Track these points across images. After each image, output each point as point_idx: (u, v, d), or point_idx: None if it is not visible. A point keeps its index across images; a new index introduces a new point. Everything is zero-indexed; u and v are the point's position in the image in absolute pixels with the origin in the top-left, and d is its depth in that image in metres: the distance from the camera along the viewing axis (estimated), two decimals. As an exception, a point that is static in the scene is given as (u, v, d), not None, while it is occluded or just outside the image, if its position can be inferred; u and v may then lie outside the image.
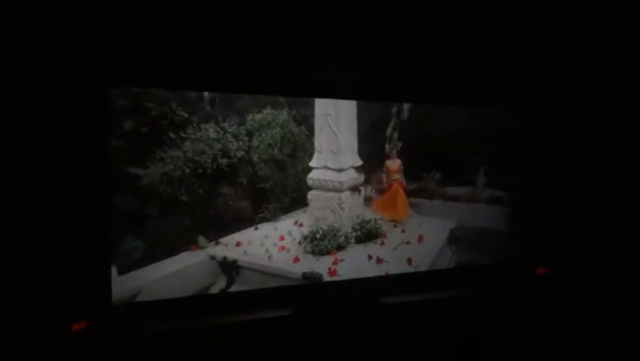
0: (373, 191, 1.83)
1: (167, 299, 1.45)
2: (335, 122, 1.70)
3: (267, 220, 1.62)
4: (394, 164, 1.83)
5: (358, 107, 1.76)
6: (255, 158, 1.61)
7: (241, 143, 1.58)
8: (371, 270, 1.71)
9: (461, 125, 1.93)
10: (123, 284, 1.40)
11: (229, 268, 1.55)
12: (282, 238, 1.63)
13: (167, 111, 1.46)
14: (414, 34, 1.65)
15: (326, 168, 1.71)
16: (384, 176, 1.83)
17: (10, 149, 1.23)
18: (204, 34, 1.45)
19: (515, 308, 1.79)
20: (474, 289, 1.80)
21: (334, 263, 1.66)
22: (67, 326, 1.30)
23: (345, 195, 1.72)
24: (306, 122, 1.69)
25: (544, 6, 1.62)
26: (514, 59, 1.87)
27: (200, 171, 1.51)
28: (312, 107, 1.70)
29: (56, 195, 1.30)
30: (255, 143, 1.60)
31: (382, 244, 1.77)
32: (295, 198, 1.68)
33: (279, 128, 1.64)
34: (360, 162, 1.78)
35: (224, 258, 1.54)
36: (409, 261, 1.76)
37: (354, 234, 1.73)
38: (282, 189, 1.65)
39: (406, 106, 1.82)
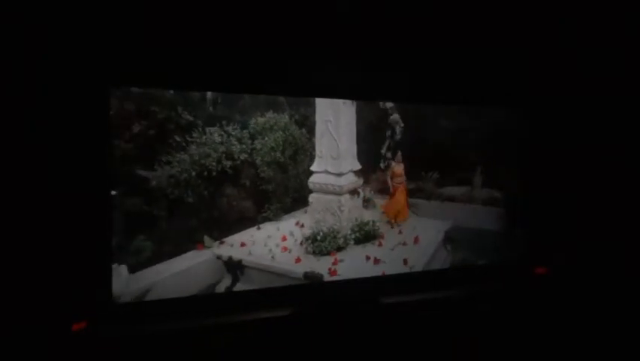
0: (372, 192, 1.87)
1: (166, 299, 1.48)
2: (335, 129, 1.75)
3: (269, 220, 1.67)
4: (399, 167, 1.88)
5: (358, 105, 1.79)
6: (258, 160, 1.66)
7: (244, 146, 1.63)
8: (369, 270, 1.75)
9: (459, 125, 1.94)
10: (135, 282, 1.44)
11: (234, 267, 1.60)
12: (284, 239, 1.68)
13: (172, 115, 1.51)
14: (414, 35, 1.66)
15: (327, 172, 1.76)
16: (389, 179, 1.87)
17: (11, 149, 1.23)
18: (205, 34, 1.46)
19: (515, 308, 1.80)
20: (474, 290, 1.81)
21: (334, 263, 1.71)
22: (67, 325, 1.29)
23: (345, 198, 1.77)
24: (307, 121, 1.72)
25: (544, 6, 1.61)
26: (514, 59, 1.86)
27: (205, 173, 1.55)
28: (312, 105, 1.73)
29: (56, 195, 1.29)
30: (258, 146, 1.65)
31: (380, 245, 1.81)
32: (296, 197, 1.72)
33: (281, 132, 1.68)
34: (359, 166, 1.82)
35: (230, 258, 1.60)
36: (405, 261, 1.80)
37: (353, 235, 1.77)
38: (283, 190, 1.69)
39: (398, 129, 1.86)
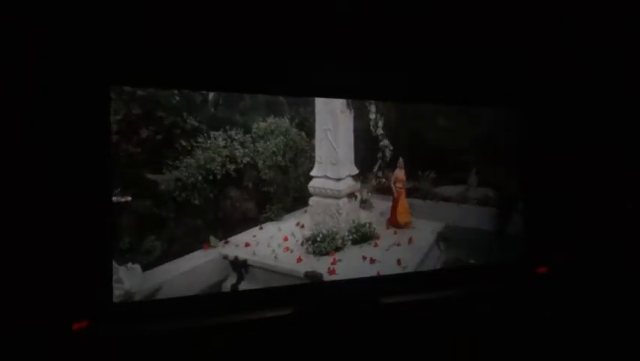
0: (369, 194, 1.94)
1: (166, 299, 1.51)
2: (334, 137, 1.81)
3: (271, 220, 1.73)
4: (402, 173, 1.93)
5: (355, 113, 1.85)
6: (260, 163, 1.71)
7: (247, 150, 1.69)
8: (365, 269, 1.82)
9: (455, 124, 1.95)
10: (148, 280, 1.50)
11: (240, 266, 1.67)
12: (285, 239, 1.75)
13: (178, 120, 1.56)
14: (413, 35, 1.67)
15: (326, 177, 1.83)
16: (392, 185, 1.93)
17: (11, 149, 1.22)
18: (205, 34, 1.47)
19: (515, 308, 1.81)
20: (474, 290, 1.83)
21: (333, 263, 1.78)
22: (67, 325, 1.28)
23: (343, 202, 1.84)
24: (307, 122, 1.77)
25: (544, 6, 1.60)
26: (514, 59, 1.86)
27: (210, 177, 1.61)
28: (311, 105, 1.78)
29: (57, 195, 1.29)
30: (260, 149, 1.70)
31: (376, 245, 1.88)
32: (297, 197, 1.79)
33: (282, 137, 1.74)
34: (356, 171, 1.89)
35: (236, 257, 1.67)
36: (399, 262, 1.87)
37: (350, 236, 1.85)
38: (284, 191, 1.75)
39: (387, 152, 1.92)
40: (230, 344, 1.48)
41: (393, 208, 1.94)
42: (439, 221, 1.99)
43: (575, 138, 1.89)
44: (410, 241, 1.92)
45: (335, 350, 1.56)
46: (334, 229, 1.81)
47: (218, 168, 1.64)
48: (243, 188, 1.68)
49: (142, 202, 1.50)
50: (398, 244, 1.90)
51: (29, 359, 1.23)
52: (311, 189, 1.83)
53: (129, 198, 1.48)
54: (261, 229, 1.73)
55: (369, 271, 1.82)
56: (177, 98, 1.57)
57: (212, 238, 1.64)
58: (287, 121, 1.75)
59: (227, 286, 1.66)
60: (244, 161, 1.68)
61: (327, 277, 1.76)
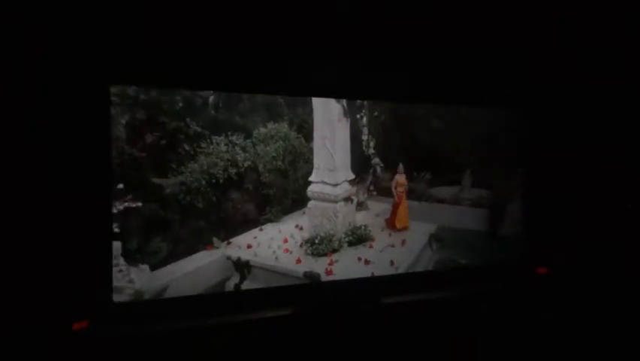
0: (365, 195, 1.98)
1: (166, 299, 1.53)
2: (331, 144, 1.86)
3: (271, 221, 1.79)
4: (402, 178, 1.97)
5: (351, 120, 1.90)
6: (261, 167, 1.76)
7: (248, 154, 1.73)
8: (361, 270, 1.88)
9: (454, 125, 1.96)
10: (155, 280, 1.55)
11: (242, 267, 1.73)
12: (285, 241, 1.81)
13: (182, 125, 1.61)
14: (414, 35, 1.67)
15: (323, 182, 1.88)
16: (393, 189, 1.96)
17: (11, 149, 1.22)
18: (204, 33, 1.47)
19: (515, 308, 1.82)
20: (474, 290, 1.84)
21: (330, 264, 1.83)
22: (67, 325, 1.28)
23: (340, 206, 1.89)
24: (306, 123, 1.80)
25: (544, 6, 1.59)
26: (514, 59, 1.85)
27: (213, 181, 1.67)
28: (309, 105, 1.81)
29: (57, 195, 1.28)
30: (261, 153, 1.75)
31: (371, 247, 1.93)
32: (295, 199, 1.84)
33: (281, 142, 1.78)
34: (352, 176, 1.94)
35: (239, 258, 1.73)
36: (392, 263, 1.91)
37: (346, 238, 1.90)
38: (283, 193, 1.80)
39: (379, 169, 1.96)
40: (230, 344, 1.50)
41: (394, 212, 1.98)
42: (433, 223, 2.02)
43: (574, 138, 1.88)
44: (403, 242, 1.97)
45: (335, 350, 1.59)
46: (331, 232, 1.87)
47: (221, 172, 1.68)
48: (243, 190, 1.73)
49: (148, 205, 1.56)
50: (392, 246, 1.95)
51: (29, 359, 1.23)
52: (309, 194, 1.88)
53: (140, 204, 1.53)
54: (261, 230, 1.79)
55: (364, 271, 1.87)
56: (180, 104, 1.60)
57: (215, 240, 1.69)
58: (286, 126, 1.79)
59: (230, 286, 1.72)
60: (245, 165, 1.73)
61: (324, 278, 1.81)
